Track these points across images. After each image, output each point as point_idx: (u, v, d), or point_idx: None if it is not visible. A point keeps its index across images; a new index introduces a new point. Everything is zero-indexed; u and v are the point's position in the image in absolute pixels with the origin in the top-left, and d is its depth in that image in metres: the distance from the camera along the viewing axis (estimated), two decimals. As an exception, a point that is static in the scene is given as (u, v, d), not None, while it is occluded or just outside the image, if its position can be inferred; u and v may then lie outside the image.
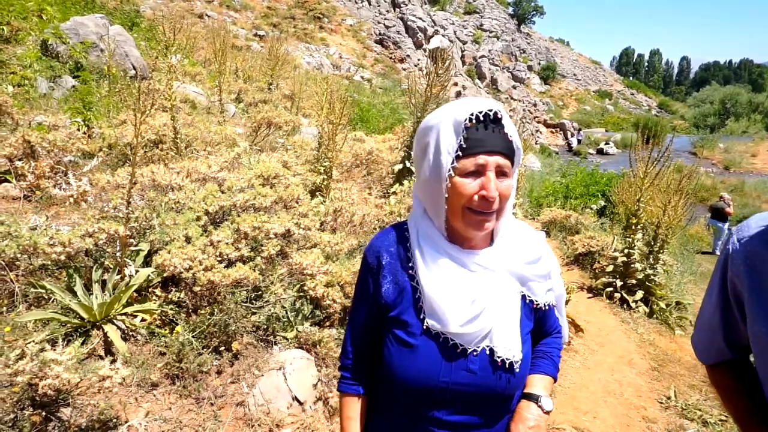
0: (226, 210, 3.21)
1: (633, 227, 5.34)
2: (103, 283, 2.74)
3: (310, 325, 3.05)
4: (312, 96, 13.20)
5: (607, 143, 33.55)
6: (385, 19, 37.08)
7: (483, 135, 1.00)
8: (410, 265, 1.10)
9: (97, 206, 4.01)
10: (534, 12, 55.96)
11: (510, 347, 1.05)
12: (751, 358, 1.06)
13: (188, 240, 2.79)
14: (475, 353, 1.04)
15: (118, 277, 2.78)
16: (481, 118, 0.99)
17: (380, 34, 35.89)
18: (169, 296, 2.90)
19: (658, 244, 5.31)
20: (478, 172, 1.00)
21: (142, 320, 2.73)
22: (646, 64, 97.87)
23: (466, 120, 0.99)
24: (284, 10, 33.33)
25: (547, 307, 1.18)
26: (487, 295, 1.05)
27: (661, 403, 3.55)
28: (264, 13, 31.93)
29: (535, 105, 41.46)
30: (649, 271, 5.23)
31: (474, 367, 1.04)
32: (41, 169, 4.04)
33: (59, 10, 8.47)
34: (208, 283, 2.52)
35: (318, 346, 2.79)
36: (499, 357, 1.03)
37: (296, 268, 2.88)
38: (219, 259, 2.70)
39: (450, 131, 1.02)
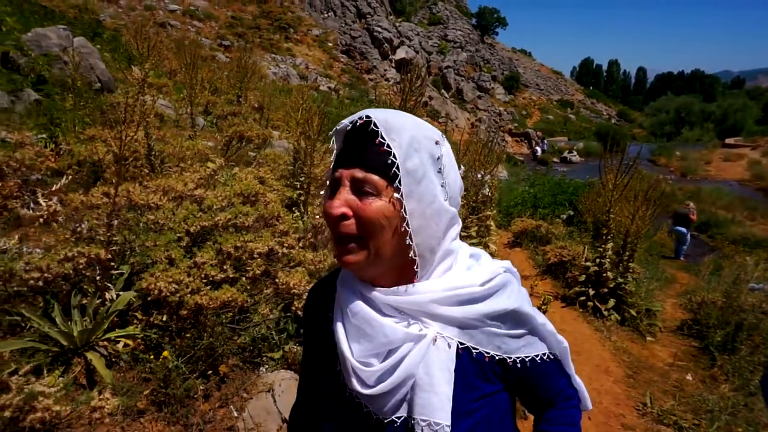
0: (207, 230, 3.16)
1: (603, 237, 5.49)
2: (83, 309, 2.66)
3: (294, 344, 3.04)
4: (280, 107, 13.16)
5: (570, 152, 34.40)
6: (351, 29, 37.27)
7: (349, 147, 0.80)
8: (330, 309, 0.92)
9: (69, 227, 3.92)
10: (497, 23, 57.21)
11: (434, 419, 0.80)
12: None
13: (171, 262, 2.74)
14: (394, 425, 0.83)
15: (98, 301, 2.71)
16: (349, 127, 0.80)
17: (346, 44, 36.05)
18: (151, 320, 2.84)
19: (627, 253, 5.49)
20: (336, 189, 0.81)
21: (125, 346, 2.66)
22: (605, 74, 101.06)
23: (338, 131, 0.82)
24: (249, 20, 33.17)
25: (528, 362, 0.88)
26: (406, 347, 0.82)
27: (638, 409, 3.65)
28: (229, 22, 31.68)
29: (500, 115, 42.25)
30: (620, 280, 5.39)
31: None
32: (8, 189, 3.90)
33: (19, 21, 8.21)
34: (195, 306, 2.48)
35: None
36: None
37: (283, 288, 2.86)
38: (204, 281, 2.66)
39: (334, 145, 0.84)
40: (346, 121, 0.80)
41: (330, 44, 35.23)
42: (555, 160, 33.16)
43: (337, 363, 0.88)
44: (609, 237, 5.51)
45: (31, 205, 4.16)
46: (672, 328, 5.52)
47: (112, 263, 2.76)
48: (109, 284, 2.76)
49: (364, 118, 0.78)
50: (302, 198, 4.99)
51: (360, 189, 0.78)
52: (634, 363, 4.44)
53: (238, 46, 29.66)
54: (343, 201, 0.78)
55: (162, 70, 13.56)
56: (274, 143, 8.99)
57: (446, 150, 0.85)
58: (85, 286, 2.75)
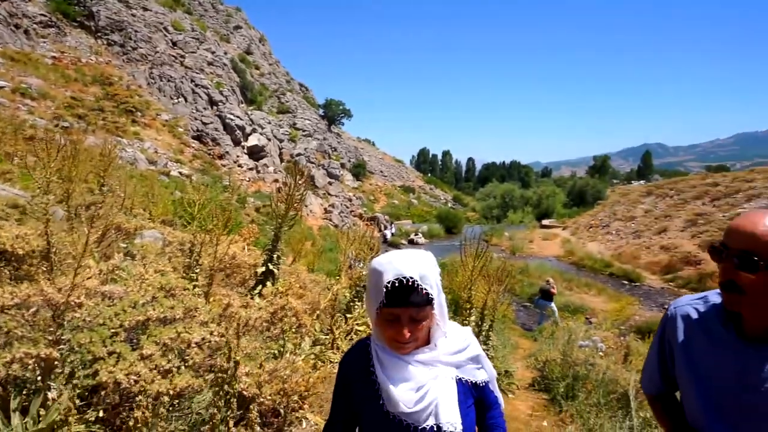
0: (140, 324, 3.36)
1: (468, 311, 6.45)
2: (23, 410, 2.71)
3: (232, 425, 3.29)
4: (133, 194, 12.82)
5: (416, 234, 37.21)
6: (203, 115, 37.28)
7: (400, 293, 1.34)
8: (371, 365, 1.47)
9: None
10: (342, 114, 61.22)
11: (451, 421, 1.37)
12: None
13: (118, 357, 2.92)
14: (425, 429, 1.38)
15: (40, 400, 2.77)
16: (396, 284, 1.33)
17: (198, 130, 35.85)
18: (86, 416, 2.93)
19: (487, 324, 6.49)
20: (395, 320, 1.37)
21: (72, 443, 2.73)
22: (440, 162, 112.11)
23: (385, 286, 1.34)
24: (91, 102, 31.55)
25: (483, 384, 1.54)
26: (429, 383, 1.40)
27: (513, 454, 4.40)
28: (67, 103, 29.84)
29: (350, 200, 44.44)
30: (484, 347, 6.32)
31: None
32: None
33: None
34: (157, 393, 2.71)
35: (250, 443, 3.07)
36: (444, 431, 1.37)
37: (229, 373, 3.16)
38: (156, 371, 2.88)
39: (377, 289, 1.37)
40: (392, 278, 1.34)
41: (180, 129, 34.72)
42: (403, 242, 35.57)
43: (380, 399, 1.42)
44: (471, 311, 6.49)
45: None
46: (525, 385, 6.54)
47: (56, 362, 2.86)
48: (51, 383, 2.83)
49: (407, 277, 1.34)
50: (201, 289, 5.20)
51: (415, 318, 1.38)
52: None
53: (79, 128, 28.01)
54: (407, 332, 1.37)
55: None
56: (144, 234, 8.85)
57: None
58: (26, 387, 2.79)
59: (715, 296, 1.47)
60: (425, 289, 1.36)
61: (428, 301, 1.38)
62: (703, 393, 1.44)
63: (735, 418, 1.37)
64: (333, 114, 59.91)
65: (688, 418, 1.52)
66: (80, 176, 11.87)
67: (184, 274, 5.43)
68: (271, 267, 6.61)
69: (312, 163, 45.59)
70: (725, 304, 1.38)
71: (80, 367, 3.01)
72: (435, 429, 1.38)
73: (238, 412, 3.33)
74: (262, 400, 3.16)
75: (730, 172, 36.96)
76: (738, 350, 1.38)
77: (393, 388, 1.39)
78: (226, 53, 47.98)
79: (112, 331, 3.23)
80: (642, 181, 67.17)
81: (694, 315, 1.50)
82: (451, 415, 1.39)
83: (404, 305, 1.36)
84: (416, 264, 1.37)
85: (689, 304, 1.54)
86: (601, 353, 6.51)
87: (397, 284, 1.34)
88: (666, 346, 1.59)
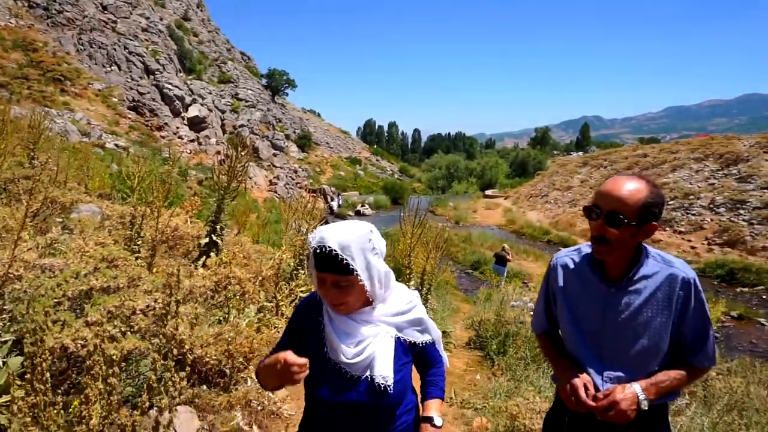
0: (83, 293, 3.43)
1: (408, 276, 6.78)
2: (-32, 378, 2.77)
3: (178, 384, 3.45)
4: (66, 167, 12.33)
5: (363, 205, 37.50)
6: (139, 85, 35.70)
7: (323, 259, 1.47)
8: (321, 317, 1.61)
9: None
10: (286, 84, 59.93)
11: (384, 375, 1.50)
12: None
13: (63, 324, 3.01)
14: (361, 379, 1.52)
15: (-16, 369, 2.83)
16: (318, 252, 1.47)
17: (134, 100, 34.35)
18: (34, 382, 3.02)
19: (426, 288, 6.84)
20: (322, 282, 1.51)
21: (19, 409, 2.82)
22: (386, 134, 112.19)
23: (312, 251, 1.50)
24: (14, 69, 29.51)
25: (424, 345, 1.67)
26: (369, 339, 1.54)
27: (447, 402, 4.77)
28: (-13, 70, 27.90)
29: (296, 172, 44.03)
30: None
31: (361, 389, 1.52)
32: None
33: None
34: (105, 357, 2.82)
35: (197, 399, 3.25)
36: (377, 383, 1.50)
37: (176, 338, 3.29)
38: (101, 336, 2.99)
39: (309, 255, 1.53)
40: (314, 246, 1.49)
41: (115, 99, 33.11)
42: (350, 213, 35.80)
43: (324, 347, 1.58)
44: (411, 276, 6.81)
45: None
46: (462, 344, 6.97)
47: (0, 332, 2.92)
48: (-5, 352, 2.90)
49: (326, 246, 1.45)
50: (143, 261, 5.24)
51: (338, 284, 1.50)
52: (440, 372, 5.65)
53: (1, 98, 26.23)
54: (335, 297, 1.51)
55: None
56: (81, 208, 8.64)
57: (376, 235, 1.57)
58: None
59: (586, 247, 1.78)
60: (345, 259, 1.46)
61: (349, 270, 1.47)
62: (576, 326, 1.75)
63: (599, 344, 1.69)
64: (277, 84, 58.56)
65: (566, 348, 1.84)
66: (8, 149, 11.35)
67: (126, 247, 5.44)
68: (214, 238, 6.68)
69: (256, 134, 44.69)
70: (595, 254, 1.68)
71: (26, 336, 3.08)
72: (369, 380, 1.53)
73: (183, 373, 3.48)
74: (207, 360, 3.33)
75: (658, 144, 39.15)
76: (601, 290, 1.69)
77: (337, 340, 1.55)
78: (161, 19, 45.81)
79: (55, 300, 3.30)
80: (580, 153, 69.83)
81: (571, 264, 1.80)
82: (384, 369, 1.53)
83: (325, 271, 1.49)
84: (339, 235, 1.48)
85: (567, 255, 1.84)
86: (530, 312, 7.01)
87: (318, 251, 1.48)
88: (550, 292, 1.89)
